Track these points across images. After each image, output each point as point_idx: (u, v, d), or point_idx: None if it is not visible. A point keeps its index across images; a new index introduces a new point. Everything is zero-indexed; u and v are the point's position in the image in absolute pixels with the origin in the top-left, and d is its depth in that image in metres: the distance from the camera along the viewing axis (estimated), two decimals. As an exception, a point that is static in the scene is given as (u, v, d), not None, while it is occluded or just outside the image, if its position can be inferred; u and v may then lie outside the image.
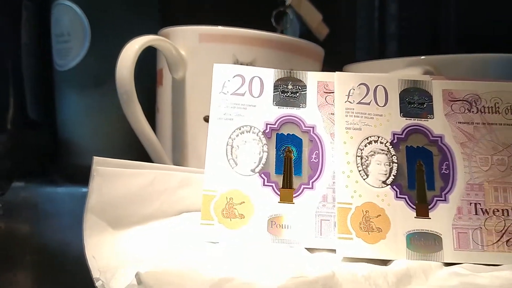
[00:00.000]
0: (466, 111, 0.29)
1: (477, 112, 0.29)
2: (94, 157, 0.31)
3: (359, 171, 0.28)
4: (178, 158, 0.39)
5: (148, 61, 0.42)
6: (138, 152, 0.39)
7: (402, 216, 0.27)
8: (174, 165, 0.38)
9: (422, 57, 0.35)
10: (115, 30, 0.46)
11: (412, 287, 0.22)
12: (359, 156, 0.28)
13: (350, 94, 0.29)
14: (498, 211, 0.27)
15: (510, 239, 0.27)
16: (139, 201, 0.31)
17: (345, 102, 0.29)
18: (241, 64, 0.37)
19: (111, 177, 0.31)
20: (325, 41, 0.55)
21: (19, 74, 0.54)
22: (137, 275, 0.20)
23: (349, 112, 0.29)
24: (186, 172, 0.33)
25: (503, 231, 0.27)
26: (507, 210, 0.27)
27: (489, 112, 0.29)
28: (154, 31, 0.41)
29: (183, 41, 0.38)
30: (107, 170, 0.31)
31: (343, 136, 0.28)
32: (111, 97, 0.43)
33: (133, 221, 0.31)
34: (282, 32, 0.53)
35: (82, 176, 0.52)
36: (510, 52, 0.36)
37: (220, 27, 0.38)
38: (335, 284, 0.20)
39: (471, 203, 0.27)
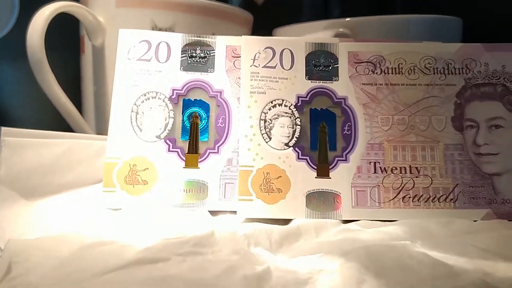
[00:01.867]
0: (370, 72, 0.29)
1: (380, 73, 0.29)
2: (2, 127, 0.30)
3: (262, 134, 0.28)
4: (102, 126, 0.38)
5: (72, 28, 0.41)
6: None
7: (302, 176, 0.28)
8: (98, 134, 0.38)
9: (339, 19, 0.35)
10: None
11: (297, 244, 0.23)
12: (262, 120, 0.28)
13: (256, 58, 0.29)
14: (396, 169, 0.28)
15: (406, 195, 0.28)
16: (54, 171, 0.31)
17: (251, 66, 0.29)
18: (159, 29, 0.36)
19: (21, 147, 0.31)
20: (267, 4, 0.54)
21: None
22: (7, 243, 0.20)
23: (254, 76, 0.29)
24: (104, 140, 0.33)
25: (400, 188, 0.28)
26: (404, 167, 0.28)
27: (392, 73, 0.29)
28: None
29: (101, 7, 0.37)
30: (16, 140, 0.30)
31: (247, 100, 0.28)
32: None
33: (49, 191, 0.31)
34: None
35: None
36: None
37: (137, -8, 0.37)
38: (211, 243, 0.20)
39: (370, 162, 0.28)
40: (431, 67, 0.29)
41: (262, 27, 0.44)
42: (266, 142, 0.28)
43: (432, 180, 0.28)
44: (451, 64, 0.29)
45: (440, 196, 0.27)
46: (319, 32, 0.35)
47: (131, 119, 0.28)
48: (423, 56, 0.29)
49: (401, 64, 0.29)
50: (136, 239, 0.20)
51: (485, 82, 0.29)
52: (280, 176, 0.27)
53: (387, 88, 0.29)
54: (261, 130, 0.28)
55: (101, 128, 0.39)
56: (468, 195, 0.27)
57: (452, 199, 0.27)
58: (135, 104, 0.29)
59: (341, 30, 0.34)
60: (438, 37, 0.36)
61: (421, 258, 0.20)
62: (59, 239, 0.21)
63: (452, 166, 0.28)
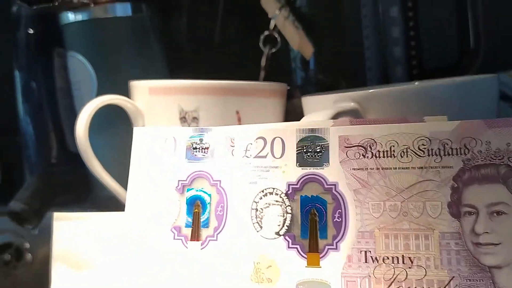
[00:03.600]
0: (361, 156, 0.29)
1: (372, 157, 0.29)
2: (54, 213, 0.37)
3: (253, 223, 0.30)
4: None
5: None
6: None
7: (292, 266, 0.28)
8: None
9: (347, 93, 0.35)
10: (119, 76, 0.51)
11: None
12: (254, 209, 0.30)
13: (248, 149, 0.31)
14: (388, 258, 0.27)
15: (398, 287, 0.27)
16: (98, 248, 0.36)
17: (243, 157, 0.31)
18: (186, 113, 0.40)
19: (68, 229, 0.36)
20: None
21: (56, 114, 0.62)
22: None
23: (246, 166, 0.31)
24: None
25: (392, 279, 0.27)
26: (397, 257, 0.27)
27: (384, 156, 0.29)
28: (161, 74, 0.47)
29: (139, 95, 0.42)
30: (64, 224, 0.36)
31: (240, 191, 0.30)
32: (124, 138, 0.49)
33: (95, 265, 0.37)
34: (270, 54, 0.55)
35: (105, 205, 0.59)
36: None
37: (165, 81, 0.41)
38: None
39: (361, 251, 0.28)
40: (425, 148, 0.28)
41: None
42: (257, 231, 0.29)
43: (426, 272, 0.26)
44: (447, 144, 0.28)
45: (434, 290, 0.26)
46: (327, 107, 0.35)
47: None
48: (417, 137, 0.28)
49: (393, 146, 0.29)
50: None
51: (486, 162, 0.27)
52: (270, 266, 0.29)
53: (379, 173, 0.29)
54: (252, 220, 0.30)
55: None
56: (465, 289, 0.26)
57: (447, 293, 0.26)
58: (149, 197, 0.32)
59: (347, 104, 0.34)
60: (469, 103, 0.34)
61: None
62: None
63: (448, 257, 0.26)
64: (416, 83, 0.39)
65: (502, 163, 0.27)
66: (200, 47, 0.61)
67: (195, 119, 0.40)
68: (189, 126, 0.40)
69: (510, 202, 0.26)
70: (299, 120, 0.42)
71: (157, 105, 0.41)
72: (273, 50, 0.54)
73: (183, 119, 0.40)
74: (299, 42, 0.53)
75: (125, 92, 0.42)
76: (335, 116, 0.33)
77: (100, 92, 0.51)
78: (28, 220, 0.52)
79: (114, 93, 0.46)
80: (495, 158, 0.27)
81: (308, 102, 0.40)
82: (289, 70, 0.59)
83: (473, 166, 0.27)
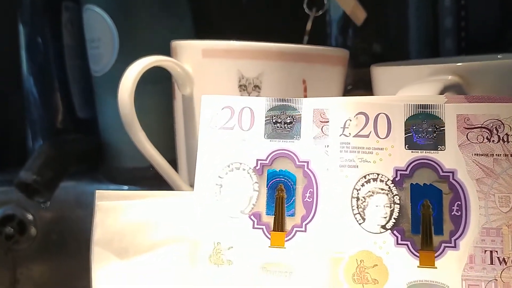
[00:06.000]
0: (485, 140, 0.25)
1: (498, 141, 0.25)
2: (97, 191, 0.32)
3: (355, 214, 0.25)
4: (193, 175, 0.38)
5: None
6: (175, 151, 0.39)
7: (402, 265, 0.24)
8: (191, 184, 0.38)
9: (449, 64, 0.31)
10: (144, 34, 0.46)
11: None
12: (354, 198, 0.25)
13: (346, 126, 0.26)
14: (518, 260, 0.24)
15: (531, 294, 0.23)
16: (145, 230, 0.32)
17: (340, 135, 0.26)
18: (246, 80, 0.35)
19: (114, 210, 0.31)
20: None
21: (64, 75, 0.56)
22: None
23: (344, 147, 0.26)
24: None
25: (524, 285, 0.23)
26: (529, 259, 0.23)
27: (513, 141, 0.25)
28: (187, 35, 0.41)
29: (188, 57, 0.37)
30: (108, 204, 0.31)
31: (335, 175, 0.26)
32: (145, 100, 0.43)
33: (140, 249, 0.32)
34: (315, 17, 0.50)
35: (123, 178, 0.53)
36: None
37: (222, 42, 0.36)
38: None
39: (486, 250, 0.24)
40: None
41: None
42: (360, 224, 0.25)
43: None
44: None
45: None
46: (423, 80, 0.30)
47: (215, 193, 0.27)
48: (556, 120, 0.24)
49: (526, 130, 0.24)
50: None
51: None
52: (376, 265, 0.24)
53: (507, 160, 0.24)
54: (353, 210, 0.25)
55: (192, 177, 0.39)
56: None
57: None
58: (219, 177, 0.28)
59: (449, 78, 0.30)
60: None
61: None
62: None
63: None
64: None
65: None
66: (229, 9, 0.56)
67: (256, 87, 0.35)
68: (249, 95, 0.35)
69: None
70: (369, 91, 0.37)
71: (211, 70, 0.35)
72: (320, 12, 0.49)
73: (243, 87, 0.35)
74: (353, 6, 0.48)
75: (148, 54, 0.37)
76: (441, 92, 0.29)
77: (121, 52, 0.46)
78: (40, 192, 0.47)
79: (137, 55, 0.41)
80: None
81: (386, 72, 0.35)
82: (323, 36, 0.54)
83: None
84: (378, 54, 0.54)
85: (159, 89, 0.43)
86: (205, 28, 0.52)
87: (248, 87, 0.35)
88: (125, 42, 0.45)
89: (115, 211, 0.32)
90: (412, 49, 0.55)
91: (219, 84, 0.35)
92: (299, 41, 0.49)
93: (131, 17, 0.46)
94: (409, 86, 0.30)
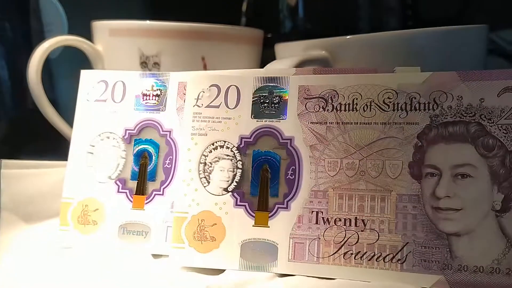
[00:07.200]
0: (321, 109, 0.26)
1: (332, 110, 0.26)
2: (3, 160, 0.34)
3: (201, 178, 0.27)
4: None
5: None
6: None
7: (239, 224, 0.26)
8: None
9: (318, 39, 0.32)
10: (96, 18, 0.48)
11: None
12: (202, 163, 0.27)
13: (199, 98, 0.28)
14: (340, 220, 0.25)
15: (348, 251, 0.25)
16: (51, 198, 0.34)
17: (194, 106, 0.28)
18: (146, 57, 0.37)
19: (19, 178, 0.34)
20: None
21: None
22: None
23: (197, 116, 0.28)
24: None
25: (342, 243, 0.25)
26: (350, 219, 0.25)
27: (345, 110, 0.26)
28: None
29: (99, 36, 0.39)
30: (13, 172, 0.34)
31: (187, 143, 0.28)
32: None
33: (47, 215, 0.35)
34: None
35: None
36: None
37: (125, 21, 0.38)
38: None
39: (313, 211, 0.26)
40: (390, 102, 0.25)
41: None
42: (204, 187, 0.27)
43: (379, 236, 0.24)
44: (415, 98, 0.25)
45: (386, 255, 0.24)
46: (292, 55, 0.32)
47: (87, 160, 0.30)
48: (383, 90, 0.25)
49: (356, 99, 0.26)
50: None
51: (456, 119, 0.24)
52: (215, 224, 0.27)
53: (338, 128, 0.26)
54: (199, 174, 0.27)
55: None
56: (419, 256, 0.24)
57: (399, 259, 0.24)
58: (91, 145, 0.30)
59: (316, 52, 0.31)
60: (451, 56, 0.31)
61: None
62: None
63: (404, 221, 0.24)
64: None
65: (472, 121, 0.24)
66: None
67: (156, 64, 0.37)
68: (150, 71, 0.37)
69: (477, 164, 0.23)
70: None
71: (117, 48, 0.38)
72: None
73: (144, 64, 0.37)
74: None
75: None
76: (301, 65, 0.30)
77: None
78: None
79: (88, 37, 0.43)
80: (465, 115, 0.24)
81: (280, 49, 0.36)
82: (277, 19, 0.55)
83: (441, 123, 0.24)
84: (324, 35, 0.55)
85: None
86: (162, 11, 0.53)
87: (148, 64, 0.37)
88: (74, 26, 0.48)
89: (21, 178, 0.34)
90: (358, 28, 0.56)
91: (124, 61, 0.37)
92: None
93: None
94: (276, 61, 0.32)
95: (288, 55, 0.34)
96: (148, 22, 0.37)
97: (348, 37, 0.31)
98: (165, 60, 0.37)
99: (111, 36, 0.38)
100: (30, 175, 0.35)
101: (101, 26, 0.39)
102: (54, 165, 0.36)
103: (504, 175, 0.23)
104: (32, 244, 0.31)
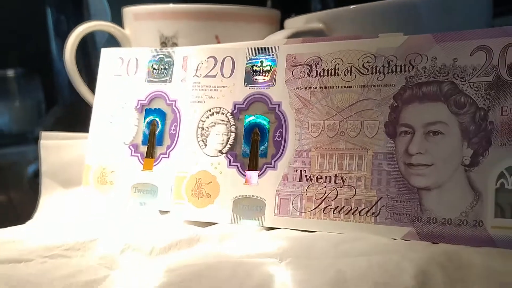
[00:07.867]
0: (306, 75, 0.28)
1: (316, 75, 0.28)
2: (42, 132, 0.39)
3: (199, 141, 0.30)
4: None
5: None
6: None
7: (231, 183, 0.29)
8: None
9: (316, 13, 0.33)
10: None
11: (182, 252, 0.25)
12: (200, 128, 0.30)
13: (199, 69, 0.31)
14: (321, 178, 0.27)
15: (327, 206, 0.26)
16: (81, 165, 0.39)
17: (194, 76, 0.31)
18: (166, 38, 0.40)
19: (57, 148, 0.39)
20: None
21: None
22: None
23: (196, 86, 0.31)
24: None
25: (322, 198, 0.27)
26: (330, 177, 0.27)
27: (328, 75, 0.27)
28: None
29: (126, 21, 0.43)
30: (51, 142, 0.39)
31: (188, 110, 0.30)
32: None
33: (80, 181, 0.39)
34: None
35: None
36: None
37: (145, 6, 0.41)
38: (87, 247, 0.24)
39: (297, 170, 0.27)
40: (369, 66, 0.26)
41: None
42: (202, 149, 0.30)
43: (356, 191, 0.26)
44: (392, 61, 0.26)
45: (362, 209, 0.25)
46: (290, 28, 0.34)
47: (105, 129, 0.34)
48: (362, 54, 0.27)
49: (338, 64, 0.27)
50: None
51: (430, 80, 0.25)
52: (211, 182, 0.29)
53: (321, 92, 0.28)
54: (197, 138, 0.30)
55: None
56: (391, 210, 0.25)
57: (373, 213, 0.25)
58: (110, 115, 0.34)
59: (312, 25, 0.33)
60: (451, 23, 0.31)
61: (264, 277, 0.21)
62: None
63: (379, 177, 0.25)
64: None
65: (446, 80, 0.25)
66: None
67: (174, 44, 0.40)
68: (170, 51, 0.40)
69: (448, 121, 0.24)
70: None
71: (140, 31, 0.41)
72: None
73: (163, 45, 0.40)
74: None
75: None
76: (295, 36, 0.32)
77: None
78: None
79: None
80: (439, 75, 0.25)
81: (287, 24, 0.38)
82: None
83: (416, 84, 0.25)
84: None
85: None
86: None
87: (168, 44, 0.40)
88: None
89: (58, 149, 0.39)
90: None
91: (147, 43, 0.41)
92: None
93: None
94: (273, 33, 0.34)
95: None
96: (165, 5, 0.40)
97: (343, 8, 0.32)
98: (182, 40, 0.40)
99: (135, 20, 0.42)
100: (66, 145, 0.40)
101: (127, 12, 0.43)
102: (86, 136, 0.41)
103: (474, 131, 0.24)
104: (68, 204, 0.35)
